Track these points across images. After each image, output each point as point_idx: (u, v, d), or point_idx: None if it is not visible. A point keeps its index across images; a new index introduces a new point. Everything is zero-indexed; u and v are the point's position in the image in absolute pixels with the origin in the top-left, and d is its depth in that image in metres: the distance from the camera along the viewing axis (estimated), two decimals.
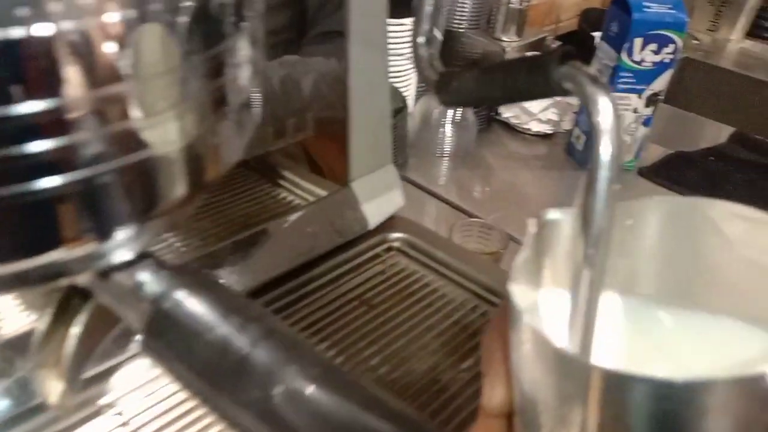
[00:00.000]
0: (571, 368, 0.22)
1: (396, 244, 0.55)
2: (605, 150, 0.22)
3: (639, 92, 0.85)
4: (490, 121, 1.03)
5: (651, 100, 0.86)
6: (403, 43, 0.91)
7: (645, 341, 0.28)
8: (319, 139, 0.54)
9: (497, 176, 1.01)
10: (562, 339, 0.26)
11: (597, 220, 0.23)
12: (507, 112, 1.01)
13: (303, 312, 0.48)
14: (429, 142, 0.98)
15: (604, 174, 0.22)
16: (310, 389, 0.19)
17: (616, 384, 0.21)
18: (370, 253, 0.54)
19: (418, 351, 0.46)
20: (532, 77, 0.29)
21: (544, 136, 1.00)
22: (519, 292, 0.25)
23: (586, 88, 0.25)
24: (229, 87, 0.24)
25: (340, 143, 0.51)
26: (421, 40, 0.35)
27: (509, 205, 0.96)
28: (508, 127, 1.02)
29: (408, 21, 0.90)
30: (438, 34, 1.06)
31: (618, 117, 0.24)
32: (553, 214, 0.28)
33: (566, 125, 0.98)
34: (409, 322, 0.48)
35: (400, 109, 0.88)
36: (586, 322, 0.25)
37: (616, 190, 0.23)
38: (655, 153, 0.96)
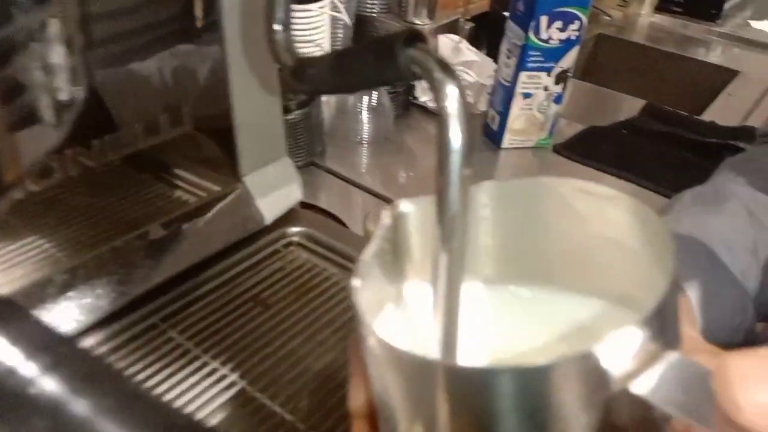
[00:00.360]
0: (412, 367, 0.21)
1: (296, 239, 0.53)
2: (455, 136, 0.22)
3: (548, 70, 0.85)
4: (407, 106, 1.01)
5: (560, 77, 0.86)
6: (313, 29, 0.89)
7: (504, 324, 0.27)
8: (207, 132, 0.51)
9: (418, 161, 1.00)
10: (430, 329, 0.25)
11: (451, 205, 0.22)
12: (423, 96, 1.00)
13: (191, 319, 0.45)
14: (347, 130, 0.96)
15: (455, 159, 0.22)
16: (102, 423, 0.17)
17: (458, 378, 0.20)
18: (269, 250, 0.52)
19: (315, 348, 0.44)
20: (380, 62, 0.28)
21: None
22: (365, 290, 0.24)
23: (433, 73, 0.24)
24: (17, 84, 0.21)
25: (229, 136, 0.49)
26: (277, 27, 0.33)
27: (432, 190, 0.95)
28: (425, 110, 1.01)
29: (314, 7, 0.87)
30: (347, 19, 1.03)
31: (465, 102, 0.23)
32: (406, 205, 0.27)
33: (482, 106, 0.97)
34: (307, 319, 0.46)
35: (312, 97, 0.85)
36: (448, 309, 0.24)
37: (467, 175, 0.22)
38: (572, 130, 0.96)
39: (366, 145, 0.98)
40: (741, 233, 0.44)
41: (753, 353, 0.16)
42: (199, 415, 0.39)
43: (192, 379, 0.41)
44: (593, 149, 0.91)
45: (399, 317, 0.29)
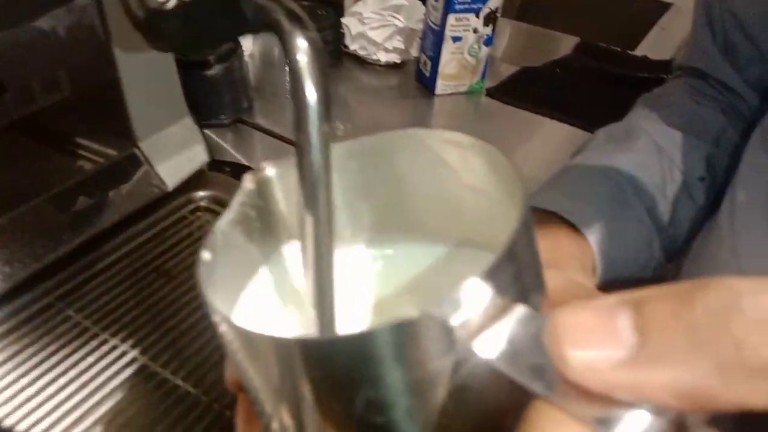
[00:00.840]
0: (254, 343, 0.20)
1: (203, 204, 0.51)
2: (309, 91, 0.20)
3: (476, 11, 0.82)
4: (338, 55, 0.98)
5: (489, 18, 0.83)
6: None
7: (383, 283, 0.26)
8: (96, 96, 0.48)
9: (354, 112, 0.98)
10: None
11: (313, 165, 0.21)
12: (354, 44, 0.96)
13: (91, 296, 0.43)
14: (274, 83, 0.93)
15: (311, 116, 0.20)
16: None
17: (305, 353, 0.19)
18: (174, 217, 0.49)
19: None
20: (229, 13, 0.26)
21: (394, 66, 0.96)
22: (221, 265, 0.23)
23: (281, 24, 0.22)
24: None
25: (119, 100, 0.46)
26: None
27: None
28: (358, 59, 0.98)
29: None
30: None
31: (319, 53, 0.21)
32: (270, 169, 0.26)
33: (414, 52, 0.94)
34: None
35: (233, 50, 0.81)
36: (319, 275, 0.22)
37: (327, 131, 0.20)
38: (508, 71, 0.95)
39: None
40: (649, 170, 0.44)
41: (581, 305, 0.15)
42: (99, 395, 0.38)
43: (90, 359, 0.40)
44: (526, 91, 0.89)
45: (275, 284, 0.27)
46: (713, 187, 0.46)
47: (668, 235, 0.43)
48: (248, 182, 0.26)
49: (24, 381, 0.38)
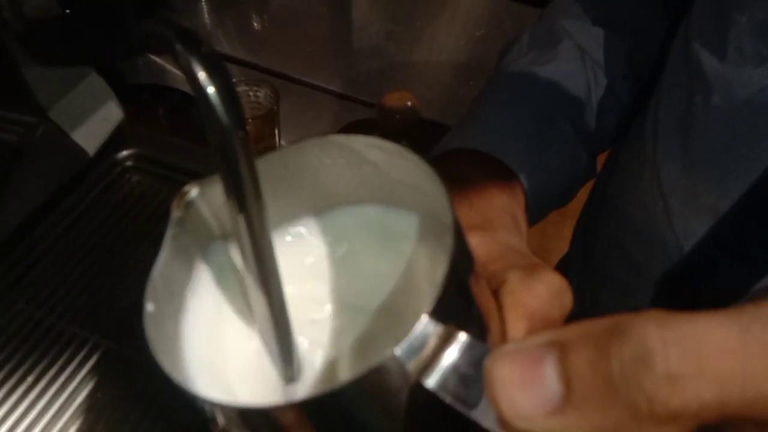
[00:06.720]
0: (226, 413, 0.21)
1: (130, 164, 0.49)
2: (218, 107, 0.19)
3: None
4: None
5: None
6: None
7: (334, 281, 0.27)
8: None
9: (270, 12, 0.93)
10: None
11: (238, 168, 0.20)
12: None
13: (36, 284, 0.42)
14: None
15: (227, 126, 0.19)
16: None
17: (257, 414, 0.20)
18: (102, 185, 0.47)
19: None
20: (114, 33, 0.23)
21: None
22: (161, 309, 0.23)
23: (177, 48, 0.21)
24: None
25: (13, 68, 0.42)
26: None
27: (283, 43, 0.88)
28: None
29: None
30: None
31: (218, 66, 0.20)
32: (193, 190, 0.25)
33: None
34: None
35: None
36: (262, 269, 0.23)
37: (243, 136, 0.19)
38: None
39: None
40: (573, 79, 0.43)
41: (512, 349, 0.16)
42: (69, 388, 0.38)
43: (53, 352, 0.40)
44: None
45: (227, 290, 0.28)
46: (638, 83, 0.46)
47: (594, 139, 0.44)
48: (176, 211, 0.25)
49: None
